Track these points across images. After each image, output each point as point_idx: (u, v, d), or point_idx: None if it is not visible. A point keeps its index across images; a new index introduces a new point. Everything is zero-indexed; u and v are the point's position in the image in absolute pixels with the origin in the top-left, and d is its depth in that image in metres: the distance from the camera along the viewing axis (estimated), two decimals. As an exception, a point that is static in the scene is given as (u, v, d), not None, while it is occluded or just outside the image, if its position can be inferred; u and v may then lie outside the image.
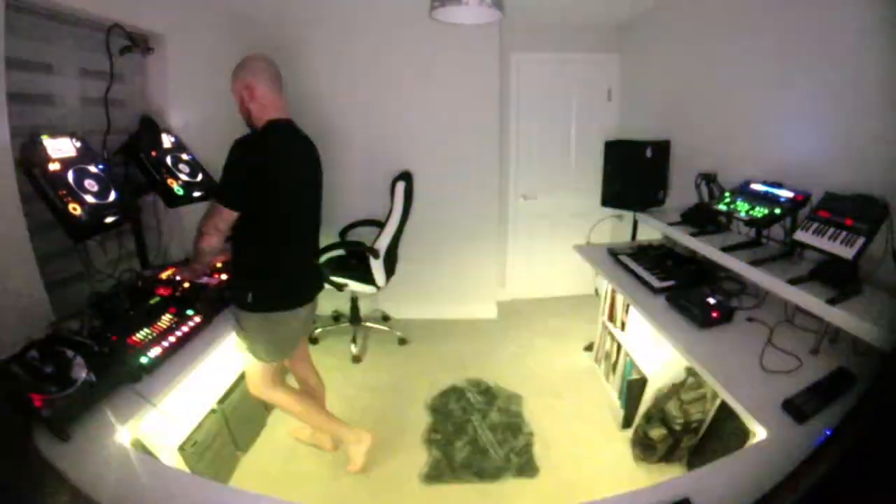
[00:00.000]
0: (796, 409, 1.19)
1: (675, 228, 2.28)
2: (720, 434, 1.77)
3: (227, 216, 1.52)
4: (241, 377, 2.14)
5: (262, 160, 1.51)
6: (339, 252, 3.01)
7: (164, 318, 1.56)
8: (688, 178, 2.42)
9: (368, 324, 3.28)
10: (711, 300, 1.75)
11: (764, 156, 2.02)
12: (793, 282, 1.51)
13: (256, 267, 1.64)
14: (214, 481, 1.20)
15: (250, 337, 1.70)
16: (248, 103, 1.61)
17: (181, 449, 1.68)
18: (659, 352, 1.99)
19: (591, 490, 1.93)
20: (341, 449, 2.05)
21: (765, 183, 1.87)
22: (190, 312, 1.62)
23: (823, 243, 1.49)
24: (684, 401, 1.89)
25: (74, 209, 1.41)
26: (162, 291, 1.69)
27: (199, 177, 2.08)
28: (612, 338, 2.53)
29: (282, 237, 1.65)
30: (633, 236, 2.93)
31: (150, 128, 2.00)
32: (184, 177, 1.99)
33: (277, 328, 1.71)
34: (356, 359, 2.97)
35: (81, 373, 1.17)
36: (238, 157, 1.49)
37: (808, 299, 1.44)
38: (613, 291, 2.48)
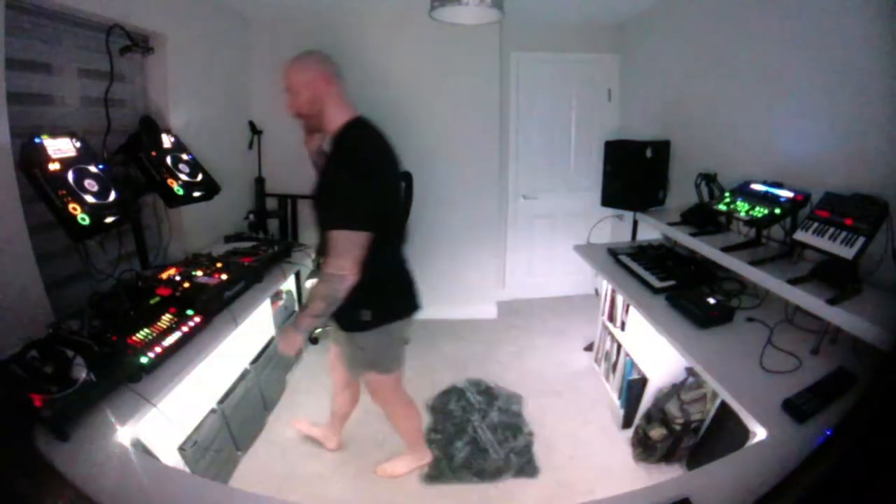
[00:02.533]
0: (796, 409, 1.19)
1: (675, 228, 2.28)
2: (720, 434, 1.77)
3: (365, 241, 1.34)
4: (239, 381, 2.15)
5: (373, 171, 1.39)
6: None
7: (164, 318, 1.56)
8: (688, 178, 2.42)
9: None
10: (711, 300, 1.75)
11: (764, 156, 2.02)
12: (793, 282, 1.51)
13: (370, 282, 1.43)
14: (214, 481, 1.20)
15: (369, 356, 1.63)
16: (325, 96, 1.46)
17: (181, 449, 1.67)
18: (659, 352, 1.99)
19: (591, 490, 1.93)
20: (345, 449, 2.08)
21: (765, 183, 1.87)
22: (190, 312, 1.62)
23: (823, 243, 1.49)
24: (684, 401, 1.89)
25: (74, 209, 1.41)
26: (162, 291, 1.68)
27: (199, 177, 2.08)
28: (612, 338, 2.53)
29: (392, 244, 1.55)
30: (633, 236, 2.93)
31: (150, 128, 2.00)
32: (184, 177, 1.99)
33: (394, 337, 1.63)
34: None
35: (81, 373, 1.17)
36: (353, 176, 1.35)
37: (808, 299, 1.44)
38: (613, 291, 2.48)
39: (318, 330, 3.20)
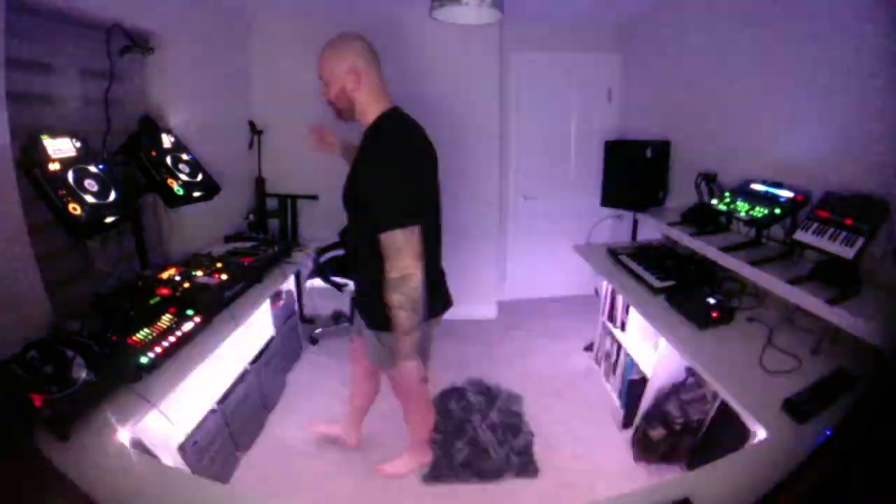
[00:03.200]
0: (796, 409, 1.19)
1: (675, 228, 2.28)
2: (720, 434, 1.77)
3: (417, 235, 1.27)
4: (239, 381, 2.15)
5: (416, 162, 1.36)
6: (339, 252, 3.01)
7: (164, 318, 1.56)
8: (688, 178, 2.42)
9: (368, 324, 3.27)
10: (711, 300, 1.75)
11: (764, 156, 2.02)
12: (793, 282, 1.51)
13: None
14: (214, 481, 1.20)
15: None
16: (353, 92, 1.37)
17: (181, 449, 1.67)
18: (659, 352, 1.99)
19: (591, 490, 1.93)
20: (345, 449, 2.08)
21: (765, 183, 1.87)
22: (190, 312, 1.62)
23: (823, 243, 1.49)
24: (684, 401, 1.89)
25: (74, 209, 1.41)
26: (162, 291, 1.69)
27: (199, 177, 2.08)
28: (612, 338, 2.53)
29: (429, 241, 1.43)
30: (633, 236, 2.93)
31: (150, 128, 2.00)
32: (184, 177, 1.98)
33: (423, 338, 1.49)
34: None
35: (81, 373, 1.17)
36: (393, 172, 1.28)
37: (808, 299, 1.44)
38: (613, 291, 2.48)
39: (318, 330, 3.20)
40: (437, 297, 1.59)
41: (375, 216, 1.28)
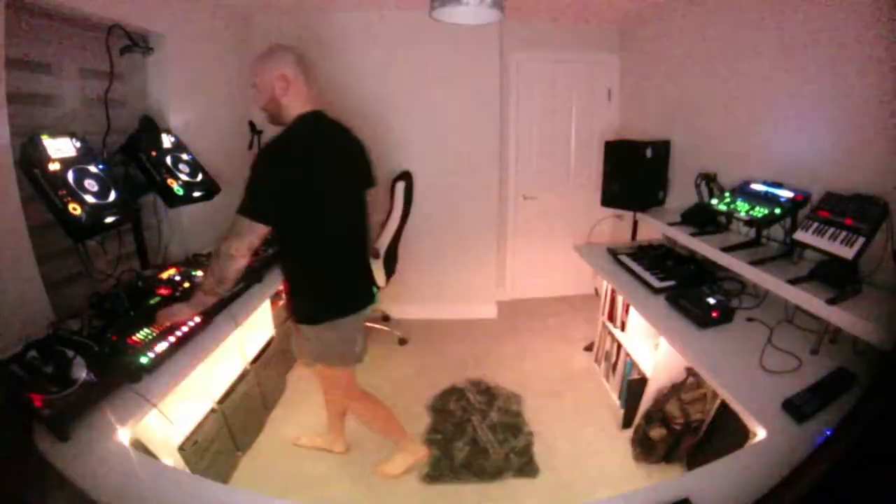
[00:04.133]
0: (796, 409, 1.19)
1: (675, 228, 2.28)
2: (720, 434, 1.77)
3: (262, 232, 1.38)
4: (239, 381, 2.15)
5: (296, 169, 1.37)
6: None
7: (164, 318, 1.55)
8: (688, 178, 2.42)
9: (368, 324, 3.27)
10: (711, 300, 1.75)
11: (764, 156, 2.02)
12: (793, 282, 1.51)
13: (312, 278, 1.56)
14: (214, 481, 1.20)
15: (318, 348, 1.66)
16: (282, 97, 1.45)
17: (181, 449, 1.67)
18: (659, 352, 1.99)
19: (591, 490, 1.93)
20: (355, 450, 2.08)
21: (765, 183, 1.87)
22: (190, 312, 1.62)
23: (823, 243, 1.49)
24: (684, 401, 1.89)
25: (74, 209, 1.41)
26: (162, 291, 1.69)
27: (199, 177, 2.08)
28: (612, 338, 2.53)
29: (327, 244, 1.54)
30: (633, 236, 2.93)
31: (150, 128, 2.00)
32: (184, 177, 1.98)
33: (343, 334, 1.65)
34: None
35: (81, 373, 1.17)
36: (268, 167, 1.37)
37: (808, 299, 1.44)
38: (613, 291, 2.48)
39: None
40: (349, 298, 1.66)
41: (245, 197, 1.37)
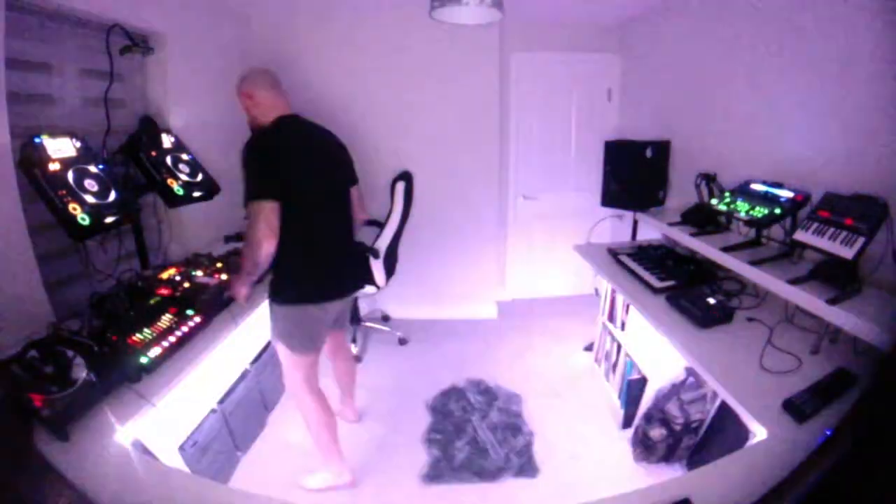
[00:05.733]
0: (796, 409, 1.19)
1: (675, 228, 2.28)
2: (720, 434, 1.77)
3: (273, 209, 1.51)
4: (239, 381, 2.15)
5: (272, 152, 1.57)
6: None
7: (164, 318, 1.56)
8: (688, 178, 2.42)
9: (368, 324, 3.28)
10: (711, 300, 1.75)
11: (764, 156, 2.02)
12: (793, 282, 1.51)
13: (281, 261, 1.66)
14: (214, 481, 1.20)
15: (279, 327, 1.76)
16: (252, 109, 1.71)
17: (181, 449, 1.68)
18: (659, 352, 1.99)
19: (591, 490, 1.93)
20: (345, 450, 2.01)
21: (765, 183, 1.87)
22: (190, 312, 1.62)
23: (823, 243, 1.49)
24: (684, 401, 1.89)
25: (74, 209, 1.41)
26: (162, 291, 1.69)
27: (199, 177, 2.08)
28: (612, 338, 2.53)
29: (300, 229, 1.63)
30: (633, 236, 2.93)
31: (150, 128, 2.00)
32: (184, 177, 1.99)
33: (304, 320, 1.74)
34: (356, 359, 2.96)
35: (81, 373, 1.17)
36: (251, 154, 1.56)
37: (808, 299, 1.44)
38: (613, 291, 2.48)
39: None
40: (314, 287, 1.75)
41: (247, 188, 1.55)
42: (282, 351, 1.82)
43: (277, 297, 1.72)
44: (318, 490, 1.93)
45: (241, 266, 1.65)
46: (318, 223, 1.69)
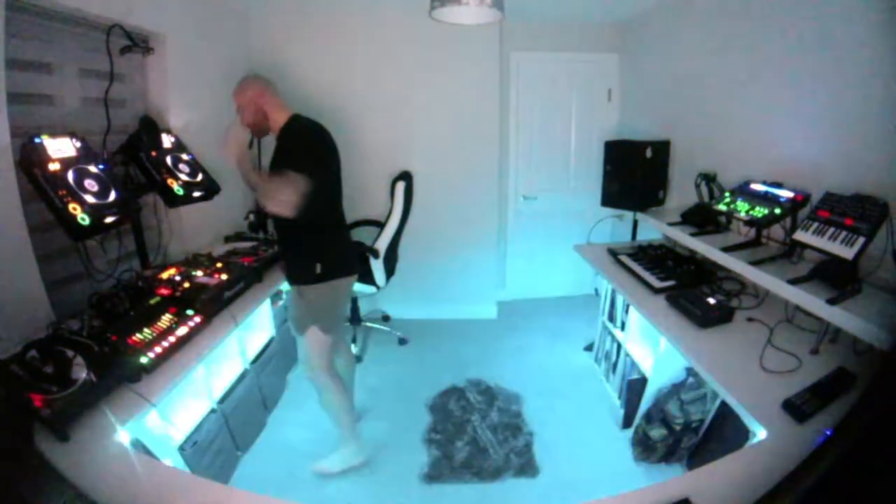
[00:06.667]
0: (796, 409, 1.19)
1: (675, 228, 2.28)
2: (720, 434, 1.77)
3: (304, 187, 1.59)
4: (239, 381, 2.14)
5: (323, 142, 1.78)
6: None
7: (164, 318, 1.56)
8: (688, 178, 2.42)
9: (368, 324, 3.28)
10: (711, 300, 1.75)
11: (764, 156, 2.02)
12: (793, 282, 1.51)
13: (323, 242, 1.84)
14: (214, 481, 1.20)
15: (315, 308, 1.87)
16: (265, 106, 1.76)
17: (181, 449, 1.67)
18: (659, 352, 1.99)
19: (591, 490, 1.93)
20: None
21: (765, 183, 1.87)
22: (190, 312, 1.62)
23: (823, 243, 1.49)
24: (684, 401, 1.89)
25: (74, 209, 1.41)
26: (162, 291, 1.69)
27: (199, 177, 2.08)
28: (612, 338, 2.53)
29: (336, 213, 1.91)
30: (633, 236, 2.93)
31: (150, 128, 2.00)
32: (184, 177, 1.99)
33: (338, 294, 1.93)
34: (356, 359, 2.96)
35: (81, 373, 1.17)
36: (309, 138, 1.75)
37: (808, 299, 1.44)
38: (613, 291, 2.48)
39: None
40: (349, 260, 1.99)
41: (294, 160, 1.65)
42: (312, 336, 1.89)
43: (320, 274, 1.82)
44: (337, 472, 2.00)
45: (249, 177, 1.71)
46: (340, 208, 1.94)
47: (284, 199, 1.58)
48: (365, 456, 2.06)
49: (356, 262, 2.05)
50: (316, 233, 1.82)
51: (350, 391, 2.31)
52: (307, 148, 1.72)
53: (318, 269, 1.82)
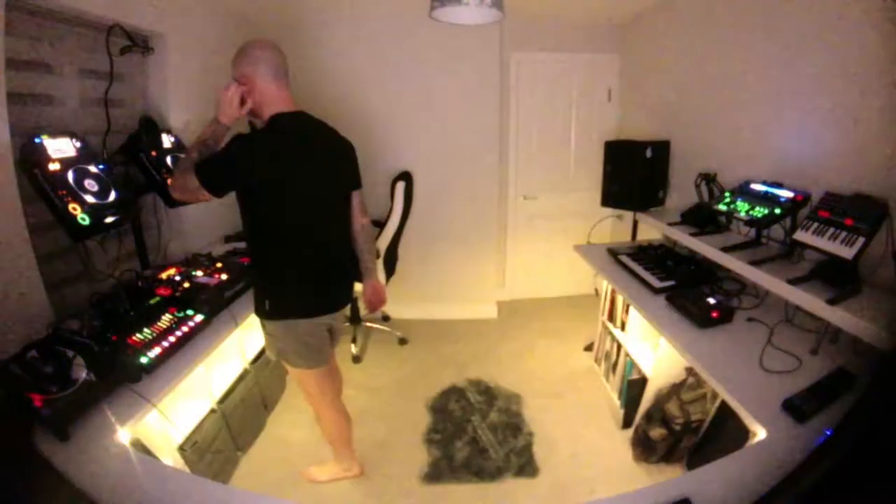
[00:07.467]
0: (796, 409, 1.19)
1: (675, 228, 2.28)
2: (720, 434, 1.77)
3: (193, 184, 1.36)
4: (239, 381, 2.15)
5: (251, 161, 1.38)
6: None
7: (164, 318, 1.56)
8: (688, 178, 2.42)
9: (368, 324, 3.28)
10: (711, 300, 1.75)
11: (764, 156, 2.02)
12: (793, 282, 1.51)
13: (268, 273, 1.56)
14: (214, 481, 1.20)
15: (274, 344, 1.64)
16: (247, 96, 1.45)
17: (181, 449, 1.67)
18: (659, 352, 1.99)
19: (591, 490, 1.93)
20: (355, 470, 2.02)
21: (765, 183, 1.87)
22: (190, 312, 1.62)
23: (823, 243, 1.49)
24: (684, 401, 1.89)
25: (74, 209, 1.41)
26: (162, 291, 1.69)
27: (199, 177, 2.07)
28: (612, 338, 2.53)
29: (291, 242, 1.51)
30: (633, 236, 2.93)
31: (150, 128, 2.00)
32: (184, 177, 1.98)
33: (299, 334, 1.60)
34: (356, 359, 2.97)
35: (81, 373, 1.17)
36: (232, 147, 1.38)
37: (808, 299, 1.44)
38: (613, 291, 2.48)
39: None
40: (305, 301, 1.60)
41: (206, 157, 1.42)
42: (289, 368, 1.72)
43: (267, 313, 1.58)
44: (324, 481, 1.96)
45: (200, 137, 1.47)
46: (309, 234, 1.55)
47: (177, 182, 1.40)
48: (358, 469, 2.00)
49: (323, 304, 1.63)
50: (263, 259, 1.55)
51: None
52: (226, 149, 1.39)
53: (268, 306, 1.56)
